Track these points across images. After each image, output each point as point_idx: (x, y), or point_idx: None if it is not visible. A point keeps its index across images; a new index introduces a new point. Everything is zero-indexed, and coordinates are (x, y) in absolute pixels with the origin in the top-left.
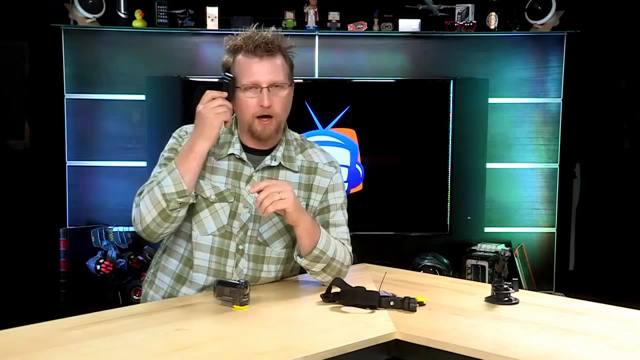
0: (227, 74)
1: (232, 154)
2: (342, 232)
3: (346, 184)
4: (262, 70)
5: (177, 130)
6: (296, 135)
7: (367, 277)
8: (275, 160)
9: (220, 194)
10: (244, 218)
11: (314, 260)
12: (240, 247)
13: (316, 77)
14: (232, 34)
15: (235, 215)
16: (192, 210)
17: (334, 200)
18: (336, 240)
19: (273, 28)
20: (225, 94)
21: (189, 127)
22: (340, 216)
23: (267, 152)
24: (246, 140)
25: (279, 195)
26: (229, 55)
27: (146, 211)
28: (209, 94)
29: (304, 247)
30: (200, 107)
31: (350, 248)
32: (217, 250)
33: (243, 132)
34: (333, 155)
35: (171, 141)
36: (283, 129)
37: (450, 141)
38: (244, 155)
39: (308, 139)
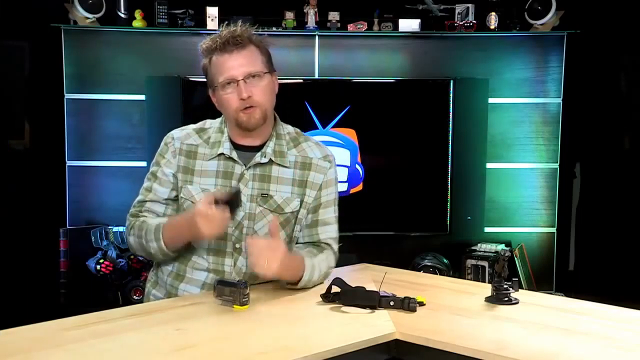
0: (233, 189)
1: (222, 153)
2: (331, 230)
3: (346, 184)
4: (234, 64)
5: (166, 137)
6: (289, 128)
7: (367, 277)
8: (265, 156)
9: None
10: (238, 217)
11: (301, 287)
12: (237, 245)
13: (316, 77)
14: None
15: None
16: None
17: (326, 197)
18: (319, 261)
19: (240, 22)
20: (227, 214)
21: (175, 132)
22: (330, 213)
23: (257, 149)
24: (236, 137)
25: (266, 263)
26: (204, 59)
27: (137, 249)
28: (208, 208)
29: (290, 281)
30: (199, 214)
31: (335, 248)
32: (214, 252)
33: (232, 129)
34: (329, 149)
35: (160, 148)
36: (274, 122)
37: (450, 141)
38: (234, 154)
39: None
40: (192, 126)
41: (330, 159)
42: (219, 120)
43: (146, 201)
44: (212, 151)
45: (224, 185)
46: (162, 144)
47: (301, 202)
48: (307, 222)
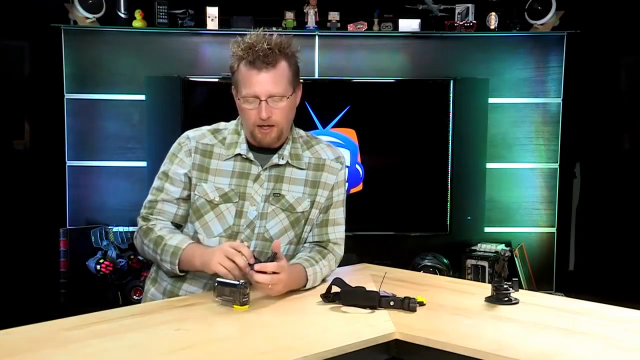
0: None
1: (239, 154)
2: (340, 231)
3: (346, 184)
4: (261, 82)
5: (180, 137)
6: (302, 132)
7: (367, 277)
8: (282, 158)
9: (224, 195)
10: (251, 216)
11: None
12: (246, 244)
13: (316, 77)
14: (235, 35)
15: (242, 214)
16: (197, 213)
17: (337, 197)
18: (321, 267)
19: (274, 29)
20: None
21: (190, 132)
22: (340, 214)
23: (274, 150)
24: (252, 141)
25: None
26: (233, 61)
27: (145, 255)
28: (241, 247)
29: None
30: (220, 252)
31: (342, 248)
32: None
33: (249, 135)
34: (340, 151)
35: (173, 148)
36: (290, 128)
37: (450, 141)
38: (250, 155)
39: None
40: (206, 127)
41: (342, 161)
42: (233, 122)
43: (157, 201)
44: (228, 151)
45: (238, 185)
46: (176, 144)
47: (312, 202)
48: (318, 222)
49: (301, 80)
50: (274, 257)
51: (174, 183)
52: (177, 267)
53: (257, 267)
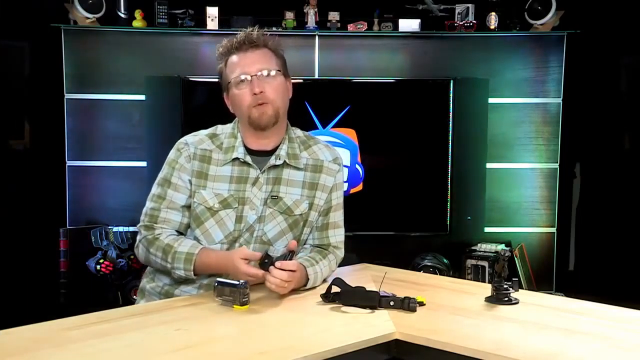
0: (266, 260)
1: (237, 158)
2: (340, 234)
3: (346, 184)
4: (248, 61)
5: (178, 143)
6: (299, 132)
7: (367, 277)
8: (279, 159)
9: (224, 201)
10: (251, 220)
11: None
12: (244, 247)
13: (316, 77)
14: (234, 35)
15: (242, 219)
16: (197, 220)
17: (336, 200)
18: (321, 267)
19: (274, 29)
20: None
21: (188, 138)
22: (339, 217)
23: (271, 153)
24: (249, 142)
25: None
26: (220, 63)
27: (151, 264)
28: (245, 270)
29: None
30: (238, 267)
31: (342, 250)
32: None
33: (245, 132)
34: (337, 151)
35: (172, 154)
36: (286, 126)
37: (450, 141)
38: (248, 159)
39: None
40: (204, 132)
41: (339, 162)
42: (230, 125)
43: (160, 209)
44: (225, 156)
45: (238, 190)
46: (174, 149)
47: (310, 204)
48: (318, 225)
49: (295, 81)
50: (291, 256)
51: (179, 190)
52: (192, 273)
53: (278, 264)
